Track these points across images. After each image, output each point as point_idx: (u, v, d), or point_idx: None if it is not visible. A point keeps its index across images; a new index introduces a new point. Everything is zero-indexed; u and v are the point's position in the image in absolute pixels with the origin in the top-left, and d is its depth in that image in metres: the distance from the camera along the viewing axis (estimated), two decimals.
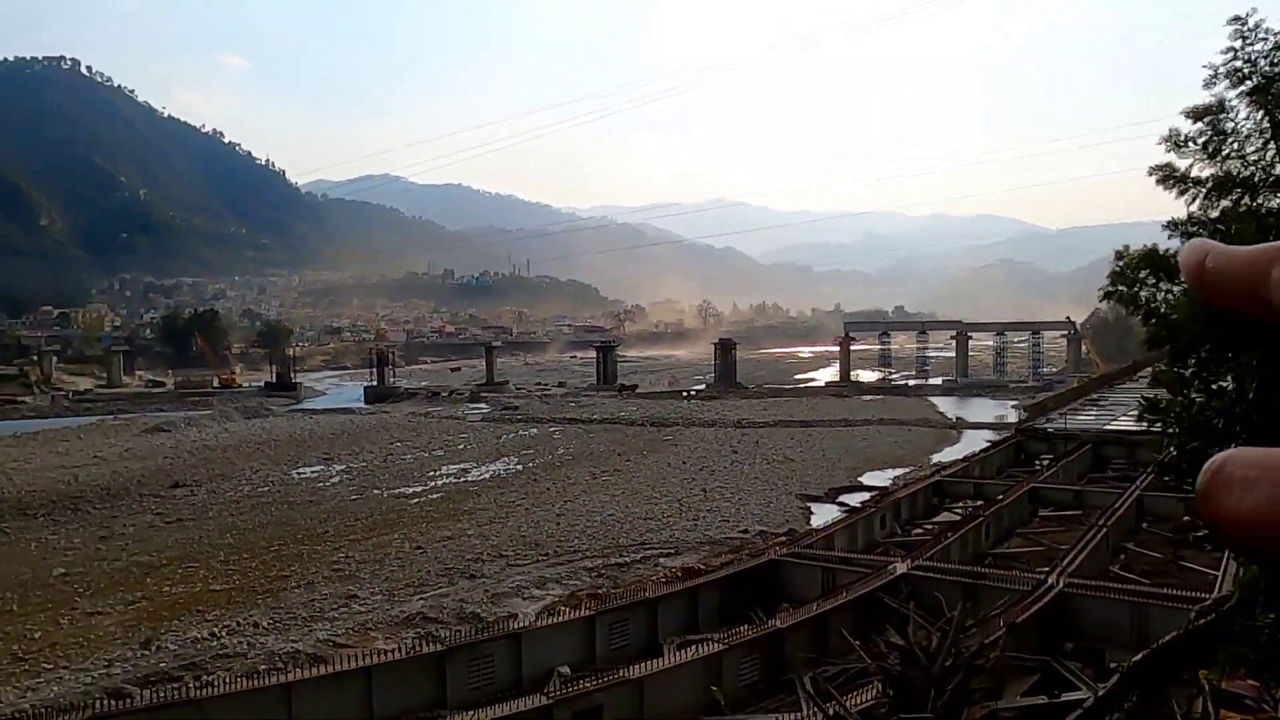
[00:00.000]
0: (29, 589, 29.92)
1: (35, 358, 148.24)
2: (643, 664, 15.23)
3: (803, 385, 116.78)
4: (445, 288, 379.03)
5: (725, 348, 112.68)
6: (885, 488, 41.25)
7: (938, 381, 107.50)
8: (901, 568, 20.43)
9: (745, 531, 34.90)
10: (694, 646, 16.42)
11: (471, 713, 14.08)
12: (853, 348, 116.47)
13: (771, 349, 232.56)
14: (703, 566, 27.78)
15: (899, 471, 48.73)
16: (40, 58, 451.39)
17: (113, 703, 15.08)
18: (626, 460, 55.15)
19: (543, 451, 61.05)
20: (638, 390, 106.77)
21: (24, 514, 42.90)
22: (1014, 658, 14.59)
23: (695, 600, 20.40)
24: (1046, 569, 20.13)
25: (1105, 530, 23.71)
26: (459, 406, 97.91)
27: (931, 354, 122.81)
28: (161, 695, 15.13)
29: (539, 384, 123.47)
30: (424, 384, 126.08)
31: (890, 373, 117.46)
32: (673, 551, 32.30)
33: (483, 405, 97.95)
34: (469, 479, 50.93)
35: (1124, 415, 42.54)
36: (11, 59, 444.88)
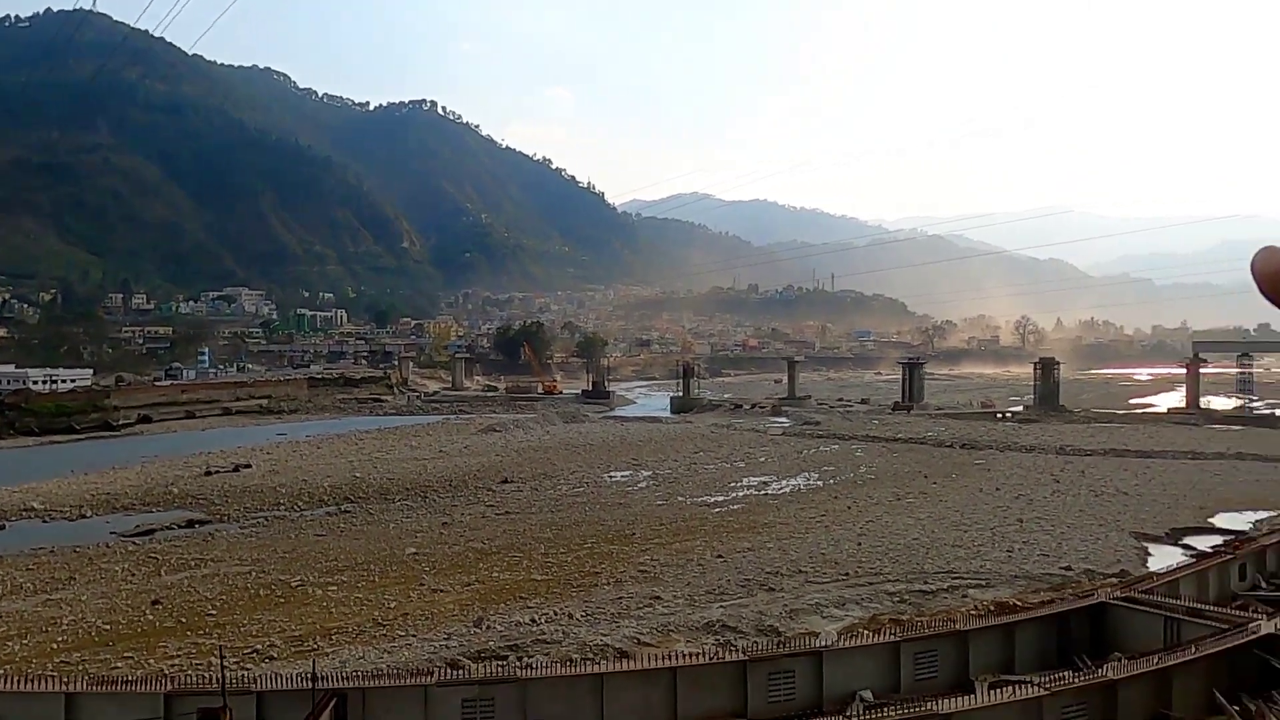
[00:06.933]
0: (388, 564, 34.35)
1: (396, 363, 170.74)
2: (952, 699, 14.41)
3: (1139, 411, 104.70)
4: (750, 302, 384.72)
5: (1047, 367, 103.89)
6: (1245, 532, 35.85)
7: None
8: (1267, 627, 17.62)
9: (1068, 569, 31.88)
10: (1011, 688, 15.25)
11: None
12: (1203, 370, 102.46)
13: (1101, 370, 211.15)
14: (1019, 603, 25.75)
15: (1262, 515, 42.07)
16: (407, 102, 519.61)
17: (452, 672, 16.83)
18: (933, 483, 52.61)
19: (844, 469, 59.89)
20: (938, 409, 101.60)
21: (385, 498, 49.47)
22: None
23: (1012, 638, 18.94)
24: None
25: None
26: (760, 419, 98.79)
27: None
28: (491, 671, 16.71)
29: (841, 399, 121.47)
30: (727, 396, 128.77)
31: (1251, 400, 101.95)
32: (983, 583, 30.28)
33: (784, 419, 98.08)
34: (769, 492, 51.18)
35: None
36: (385, 104, 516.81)
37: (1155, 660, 16.20)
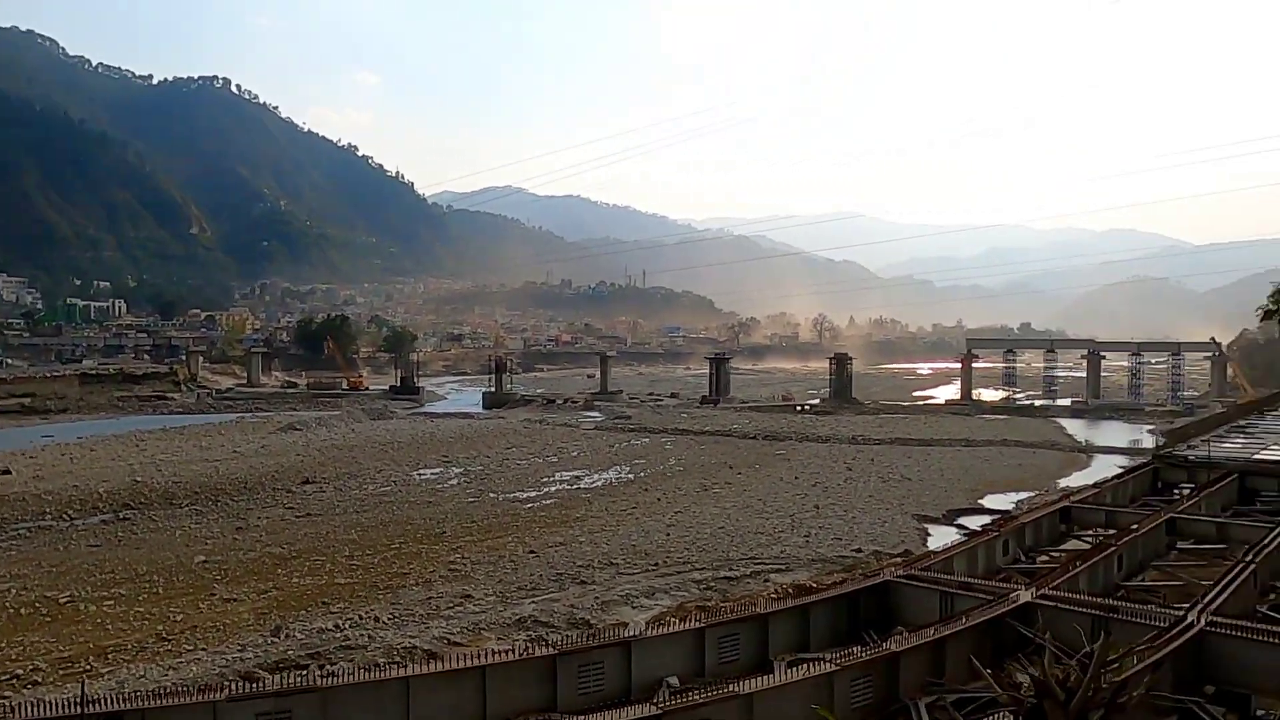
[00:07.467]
0: (174, 574, 31.91)
1: (184, 357, 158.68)
2: (753, 680, 15.02)
3: (921, 403, 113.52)
4: (563, 297, 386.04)
5: (841, 362, 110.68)
6: (1008, 511, 39.57)
7: (1066, 403, 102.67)
8: (1025, 596, 19.52)
9: (859, 551, 34.14)
10: (806, 665, 16.10)
11: (581, 717, 14.19)
12: (975, 365, 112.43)
13: (889, 365, 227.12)
14: (814, 584, 27.27)
15: (1022, 495, 46.76)
16: (196, 77, 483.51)
17: (245, 685, 15.89)
18: (738, 473, 54.79)
19: (654, 462, 61.27)
20: (744, 403, 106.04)
21: (171, 503, 45.90)
22: (1157, 697, 13.74)
23: (807, 618, 19.99)
24: (1186, 605, 18.88)
25: (1253, 567, 22.02)
26: (573, 414, 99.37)
27: (1060, 374, 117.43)
28: (289, 681, 15.84)
29: (651, 394, 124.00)
30: (540, 391, 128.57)
31: (1015, 392, 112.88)
32: (783, 568, 31.88)
33: (596, 413, 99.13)
34: (581, 486, 51.58)
35: (1276, 444, 39.59)
36: (170, 79, 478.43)
37: (932, 632, 17.58)
